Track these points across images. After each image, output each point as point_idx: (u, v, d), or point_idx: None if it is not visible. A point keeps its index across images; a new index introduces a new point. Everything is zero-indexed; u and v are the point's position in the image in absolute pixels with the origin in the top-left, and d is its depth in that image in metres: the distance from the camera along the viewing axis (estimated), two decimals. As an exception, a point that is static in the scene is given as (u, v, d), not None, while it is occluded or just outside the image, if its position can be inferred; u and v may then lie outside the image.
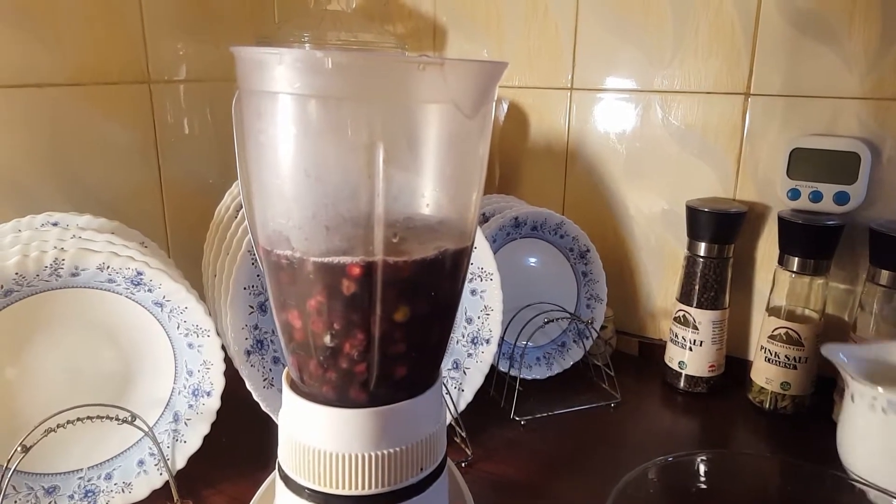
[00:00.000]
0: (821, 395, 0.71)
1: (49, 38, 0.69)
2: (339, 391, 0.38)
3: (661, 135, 0.80)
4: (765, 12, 0.72)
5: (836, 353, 0.53)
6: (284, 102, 0.33)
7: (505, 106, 0.89)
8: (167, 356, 0.57)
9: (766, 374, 0.72)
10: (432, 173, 0.36)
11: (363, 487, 0.37)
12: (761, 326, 0.73)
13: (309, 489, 0.38)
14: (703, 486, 0.45)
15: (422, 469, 0.39)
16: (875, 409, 0.49)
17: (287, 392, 0.39)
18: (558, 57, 0.84)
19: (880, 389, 0.48)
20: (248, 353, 0.58)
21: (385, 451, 0.37)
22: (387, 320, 0.36)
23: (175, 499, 0.55)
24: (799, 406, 0.71)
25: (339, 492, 0.37)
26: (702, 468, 0.45)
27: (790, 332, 0.70)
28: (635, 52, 0.80)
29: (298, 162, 0.34)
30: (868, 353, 0.54)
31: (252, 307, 0.58)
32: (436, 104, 0.34)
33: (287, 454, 0.39)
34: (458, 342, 0.67)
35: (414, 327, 0.37)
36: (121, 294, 0.55)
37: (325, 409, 0.37)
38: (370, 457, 0.37)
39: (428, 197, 0.36)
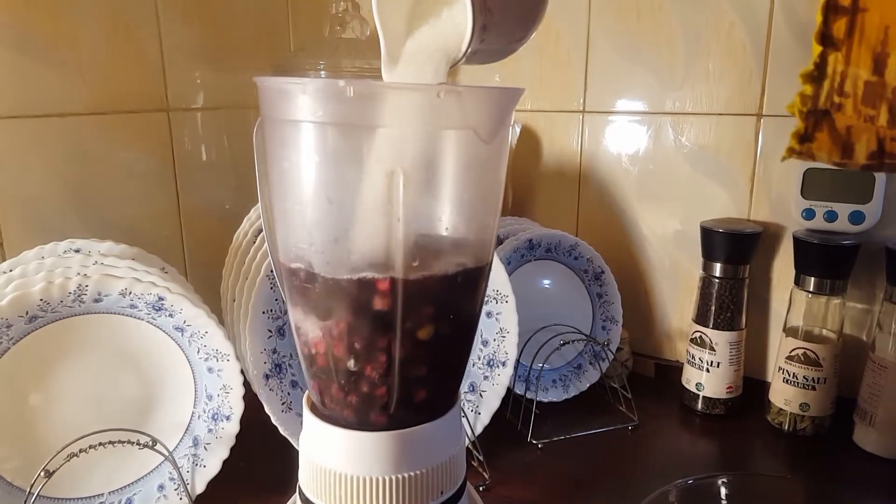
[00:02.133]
0: (840, 416, 0.71)
1: (70, 68, 0.71)
2: (360, 414, 0.38)
3: (673, 156, 0.81)
4: (775, 33, 0.72)
5: None
6: (307, 130, 0.33)
7: (517, 129, 0.90)
8: (187, 381, 0.58)
9: (784, 396, 0.71)
10: (451, 198, 0.36)
11: (384, 511, 0.37)
12: (779, 347, 0.73)
13: (330, 513, 0.38)
14: (725, 509, 0.45)
15: (442, 492, 0.39)
16: None
17: (308, 415, 0.40)
18: (570, 81, 0.85)
19: None
20: (267, 376, 0.58)
21: (405, 475, 0.37)
22: (407, 342, 0.36)
23: (194, 523, 0.55)
24: (818, 427, 0.71)
25: (361, 515, 0.37)
26: (723, 491, 0.45)
27: (808, 352, 0.69)
28: (646, 75, 0.80)
29: (320, 188, 0.35)
30: None
31: (271, 331, 0.58)
32: (454, 130, 0.34)
33: (308, 477, 0.39)
34: (473, 365, 0.67)
35: (434, 349, 0.37)
36: (142, 319, 0.55)
37: (346, 432, 0.38)
38: (390, 480, 0.37)
39: (447, 221, 0.37)
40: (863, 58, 0.30)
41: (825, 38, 0.30)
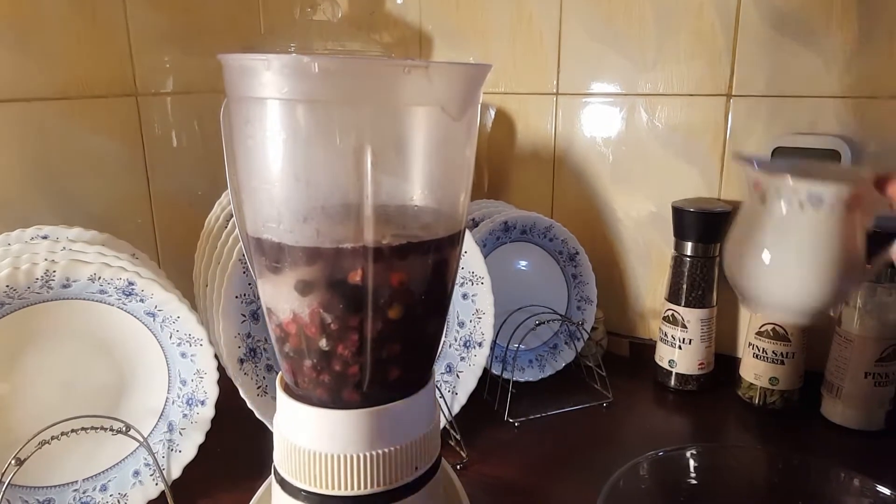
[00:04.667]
0: (808, 390, 0.72)
1: (36, 52, 0.69)
2: (333, 393, 0.38)
3: (646, 138, 0.81)
4: (744, 15, 0.73)
5: (747, 158, 0.47)
6: (273, 108, 0.33)
7: (492, 112, 0.90)
8: (160, 366, 0.57)
9: (754, 370, 0.73)
10: (420, 175, 0.36)
11: (358, 488, 0.38)
12: (749, 323, 0.74)
13: (305, 491, 0.38)
14: (694, 481, 0.46)
15: (416, 468, 0.40)
16: (791, 204, 0.43)
17: (281, 395, 0.40)
18: (543, 63, 0.85)
19: (791, 181, 0.42)
20: (242, 361, 0.58)
21: (379, 451, 0.38)
22: (379, 321, 0.36)
23: (171, 508, 0.55)
24: (787, 401, 0.72)
25: (335, 492, 0.38)
26: (692, 462, 0.46)
27: (777, 328, 0.71)
28: (619, 56, 0.81)
29: (288, 166, 0.34)
30: (783, 163, 0.48)
31: (244, 315, 0.58)
32: (422, 107, 0.34)
33: (282, 457, 0.40)
34: (450, 346, 0.68)
35: (405, 327, 0.37)
36: (112, 305, 0.55)
37: (319, 410, 0.38)
38: (365, 457, 0.37)
39: (417, 199, 0.37)
40: None
41: None
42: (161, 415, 0.58)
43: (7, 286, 0.49)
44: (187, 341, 0.56)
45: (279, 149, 0.34)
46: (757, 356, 0.72)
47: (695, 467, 0.45)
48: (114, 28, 0.76)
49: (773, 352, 0.71)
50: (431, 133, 0.36)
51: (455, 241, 0.39)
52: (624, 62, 0.81)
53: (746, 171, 0.46)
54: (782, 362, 0.71)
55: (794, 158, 0.53)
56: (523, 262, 0.80)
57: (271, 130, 0.33)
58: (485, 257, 0.67)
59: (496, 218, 0.75)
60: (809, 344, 0.72)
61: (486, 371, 0.69)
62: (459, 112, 0.35)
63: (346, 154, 0.33)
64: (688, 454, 0.45)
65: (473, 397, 0.67)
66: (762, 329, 0.72)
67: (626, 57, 0.80)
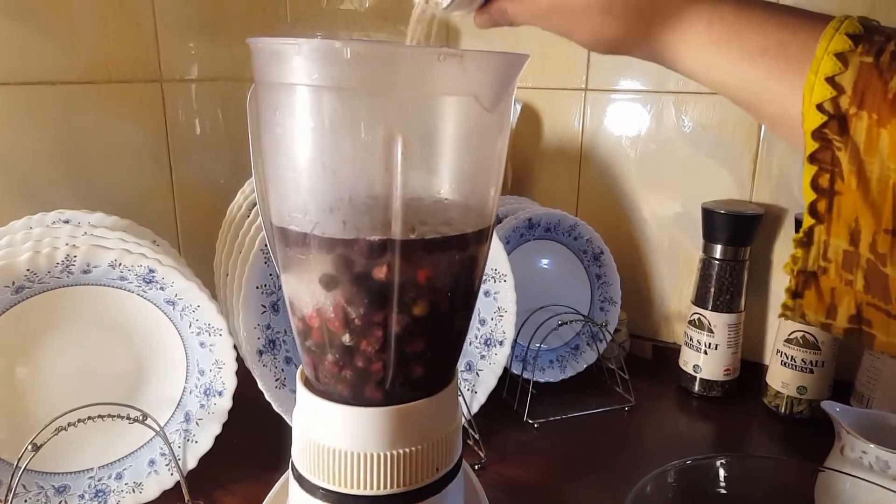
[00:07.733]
0: (838, 400, 0.70)
1: (62, 35, 0.69)
2: (355, 389, 0.37)
3: (675, 136, 0.80)
4: (782, 12, 0.71)
5: (833, 408, 0.53)
6: (302, 95, 0.32)
7: (518, 107, 0.89)
8: (179, 355, 0.57)
9: (781, 378, 0.71)
10: (451, 167, 0.35)
11: (378, 487, 0.37)
12: (777, 330, 0.72)
13: (323, 489, 0.37)
14: (723, 492, 0.44)
15: (438, 469, 0.39)
16: (862, 465, 0.49)
17: (301, 390, 0.39)
18: (573, 58, 0.84)
19: (871, 445, 0.49)
20: (261, 352, 0.57)
21: (400, 451, 0.37)
22: (404, 317, 0.35)
23: (186, 499, 0.55)
24: (815, 410, 0.70)
25: (354, 491, 0.37)
26: (721, 472, 0.44)
27: (807, 335, 0.69)
28: (650, 52, 0.79)
29: (315, 155, 0.33)
30: (865, 415, 0.55)
31: (264, 306, 0.57)
32: (455, 96, 0.33)
33: (301, 453, 0.39)
34: (470, 344, 0.67)
35: (431, 324, 0.36)
36: (132, 292, 0.54)
37: (340, 407, 0.37)
38: (386, 456, 0.36)
39: (446, 192, 0.36)
40: (841, 231, 0.34)
41: (813, 213, 0.35)
42: (178, 404, 0.57)
43: (28, 270, 0.49)
44: (207, 331, 0.55)
45: (307, 137, 0.33)
46: (785, 364, 0.70)
47: (725, 477, 0.44)
48: (140, 13, 0.76)
49: (803, 360, 0.69)
50: (463, 124, 0.35)
51: (484, 237, 0.38)
52: (656, 58, 0.79)
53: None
54: (811, 371, 0.69)
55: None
56: (546, 261, 0.79)
57: (300, 118, 0.32)
58: (508, 254, 0.66)
59: (520, 215, 0.74)
60: (840, 353, 0.70)
61: (506, 370, 0.68)
62: (493, 103, 0.34)
63: (375, 144, 0.32)
64: (717, 464, 0.44)
65: (493, 397, 0.66)
66: (791, 336, 0.70)
67: (658, 53, 0.78)
